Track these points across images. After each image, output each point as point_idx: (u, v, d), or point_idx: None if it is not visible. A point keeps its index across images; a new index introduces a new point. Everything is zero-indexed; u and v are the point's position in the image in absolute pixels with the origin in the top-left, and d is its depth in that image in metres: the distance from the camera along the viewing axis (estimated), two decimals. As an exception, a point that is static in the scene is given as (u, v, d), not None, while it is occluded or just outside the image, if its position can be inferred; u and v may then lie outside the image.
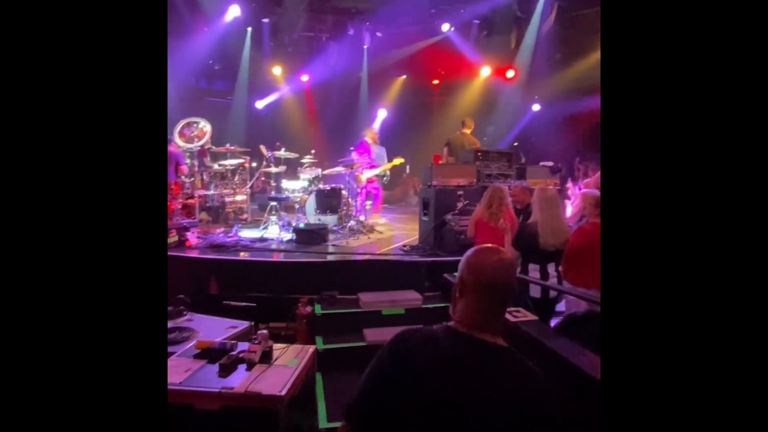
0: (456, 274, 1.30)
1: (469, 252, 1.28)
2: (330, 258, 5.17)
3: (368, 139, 7.73)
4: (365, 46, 11.07)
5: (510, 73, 10.84)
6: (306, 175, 7.17)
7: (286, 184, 7.16)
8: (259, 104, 11.23)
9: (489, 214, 4.05)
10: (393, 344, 1.21)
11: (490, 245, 1.28)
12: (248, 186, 7.51)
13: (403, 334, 1.23)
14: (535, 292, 3.35)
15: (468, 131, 7.09)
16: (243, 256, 5.10)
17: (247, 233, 6.32)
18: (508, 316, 2.80)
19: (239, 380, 2.37)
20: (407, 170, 9.59)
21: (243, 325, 3.32)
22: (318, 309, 4.22)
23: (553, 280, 3.34)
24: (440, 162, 6.55)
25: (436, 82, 11.69)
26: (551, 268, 3.39)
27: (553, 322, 3.09)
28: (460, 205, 5.36)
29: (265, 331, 2.71)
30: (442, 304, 4.25)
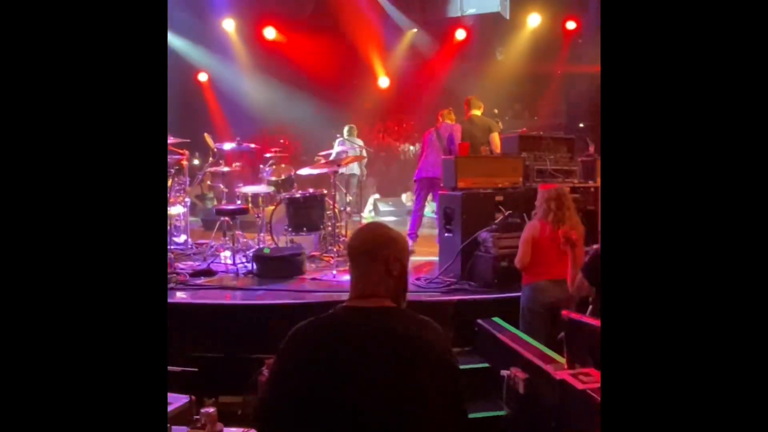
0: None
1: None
2: (309, 299, 5.18)
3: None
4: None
5: (570, 24, 10.93)
6: (273, 177, 7.21)
7: (243, 189, 7.19)
8: (203, 77, 11.35)
9: (553, 221, 4.17)
10: (288, 347, 1.71)
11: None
12: (186, 193, 7.53)
13: (295, 333, 1.73)
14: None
15: (478, 112, 7.19)
16: (179, 297, 5.12)
17: (186, 263, 6.35)
18: (573, 381, 2.80)
19: (174, 482, 2.38)
20: None
21: (180, 400, 3.32)
22: (291, 374, 4.19)
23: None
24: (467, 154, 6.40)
25: (462, 34, 11.72)
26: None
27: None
28: (499, 217, 5.37)
29: (211, 409, 2.71)
30: (478, 365, 4.23)
